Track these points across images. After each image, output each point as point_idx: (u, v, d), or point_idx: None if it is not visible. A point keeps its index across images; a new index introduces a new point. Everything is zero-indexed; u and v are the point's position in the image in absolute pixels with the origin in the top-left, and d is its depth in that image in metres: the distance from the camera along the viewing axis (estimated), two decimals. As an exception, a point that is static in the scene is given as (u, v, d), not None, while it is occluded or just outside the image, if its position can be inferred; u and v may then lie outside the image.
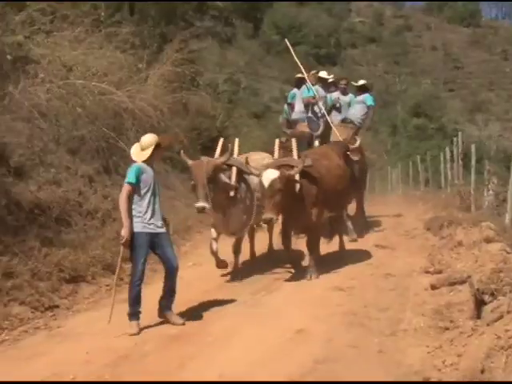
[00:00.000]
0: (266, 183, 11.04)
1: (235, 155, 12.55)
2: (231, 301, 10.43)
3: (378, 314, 9.16)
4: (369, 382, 5.00)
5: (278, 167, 11.51)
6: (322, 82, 18.48)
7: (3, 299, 10.04)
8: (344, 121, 18.42)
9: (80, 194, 14.62)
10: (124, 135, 17.69)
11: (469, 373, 6.25)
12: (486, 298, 7.61)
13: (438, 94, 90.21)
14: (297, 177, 11.48)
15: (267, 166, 11.61)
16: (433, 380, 4.85)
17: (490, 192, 17.88)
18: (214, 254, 12.40)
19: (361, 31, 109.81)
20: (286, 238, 12.49)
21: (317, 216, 12.12)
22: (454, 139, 24.06)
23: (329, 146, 14.77)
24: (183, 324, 9.24)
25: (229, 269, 12.78)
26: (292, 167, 11.63)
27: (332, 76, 19.51)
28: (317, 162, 12.37)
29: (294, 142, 12.50)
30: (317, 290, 10.67)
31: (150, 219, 9.32)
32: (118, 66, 19.20)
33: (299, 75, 18.26)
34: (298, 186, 11.53)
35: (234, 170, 12.00)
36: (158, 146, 9.46)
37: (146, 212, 9.34)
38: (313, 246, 12.28)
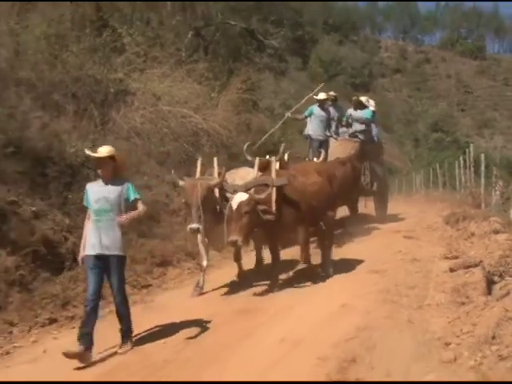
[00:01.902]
0: (234, 206, 9.31)
1: (215, 173, 10.52)
2: (285, 283, 10.35)
3: (406, 292, 9.11)
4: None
5: (251, 188, 9.72)
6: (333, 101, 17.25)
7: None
8: (351, 135, 17.12)
9: (167, 197, 14.89)
10: (200, 150, 17.79)
11: (482, 339, 6.23)
12: (495, 278, 7.60)
13: (452, 113, 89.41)
14: (273, 195, 9.64)
15: (240, 189, 9.71)
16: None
17: (497, 192, 17.68)
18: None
19: (388, 64, 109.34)
20: (273, 251, 10.42)
21: (299, 229, 10.24)
22: (466, 150, 23.91)
23: (310, 164, 12.96)
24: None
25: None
26: (267, 186, 9.77)
27: (330, 94, 17.32)
28: (293, 179, 10.34)
29: (273, 161, 10.53)
30: (357, 273, 10.63)
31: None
32: (196, 94, 19.39)
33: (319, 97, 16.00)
34: (273, 204, 9.63)
35: (217, 189, 10.16)
36: (111, 158, 7.48)
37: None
38: (304, 256, 10.48)
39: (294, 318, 8.04)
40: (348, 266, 11.36)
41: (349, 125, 17.32)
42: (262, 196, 9.41)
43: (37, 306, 8.51)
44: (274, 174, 10.01)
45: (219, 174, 10.15)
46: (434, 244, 13.30)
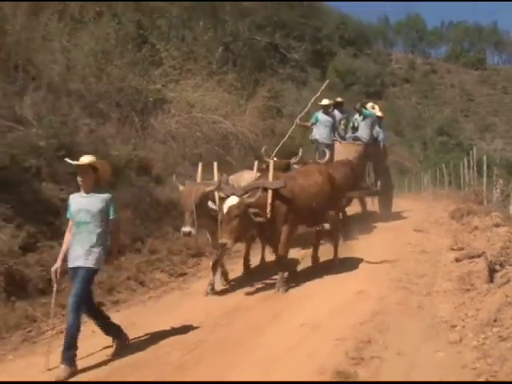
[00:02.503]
0: (224, 209, 8.54)
1: (215, 177, 9.65)
2: (308, 272, 10.27)
3: (416, 280, 9.09)
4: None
5: (249, 191, 8.90)
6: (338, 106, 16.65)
7: (149, 268, 10.32)
8: (355, 139, 16.12)
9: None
10: (230, 152, 17.85)
11: (485, 322, 6.25)
12: (497, 267, 7.57)
13: (456, 118, 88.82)
14: (269, 198, 8.93)
15: (238, 192, 8.82)
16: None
17: (498, 190, 17.57)
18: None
19: (399, 74, 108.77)
20: (248, 253, 10.45)
21: (287, 233, 9.26)
22: (470, 152, 23.82)
23: (313, 165, 11.77)
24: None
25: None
26: (265, 189, 9.01)
27: (336, 100, 16.93)
28: (292, 180, 9.59)
29: (271, 164, 9.79)
30: (371, 263, 10.58)
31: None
32: (225, 102, 19.41)
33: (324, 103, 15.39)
34: (268, 207, 8.94)
35: (217, 194, 9.21)
36: (93, 168, 6.63)
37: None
38: (282, 262, 9.32)
39: (314, 304, 8.05)
40: (364, 256, 11.33)
41: (355, 129, 16.59)
42: (253, 199, 8.68)
43: (86, 292, 8.57)
44: (270, 177, 9.35)
45: (218, 182, 9.16)
46: (441, 237, 13.24)
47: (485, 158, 20.13)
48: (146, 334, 7.10)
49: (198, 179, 9.79)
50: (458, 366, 5.51)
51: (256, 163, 10.42)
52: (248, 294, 9.05)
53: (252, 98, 22.15)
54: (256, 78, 28.53)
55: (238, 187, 9.20)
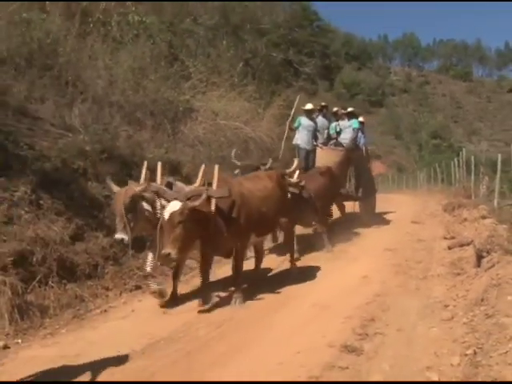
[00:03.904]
0: (166, 216, 6.69)
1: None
2: (313, 260, 10.22)
3: (414, 265, 9.08)
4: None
5: (189, 197, 6.92)
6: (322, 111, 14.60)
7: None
8: (336, 144, 14.24)
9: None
10: (250, 155, 17.84)
11: (473, 301, 6.27)
12: (484, 254, 7.54)
13: (447, 124, 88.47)
14: (212, 206, 7.02)
15: (180, 197, 6.91)
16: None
17: (484, 186, 17.50)
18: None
19: (397, 85, 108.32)
20: (205, 263, 7.81)
21: (239, 240, 7.60)
22: (459, 153, 23.81)
23: (264, 172, 9.41)
24: None
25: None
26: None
27: (321, 104, 14.93)
28: (239, 186, 7.72)
29: (216, 169, 7.42)
30: (374, 250, 10.56)
31: None
32: (246, 111, 19.42)
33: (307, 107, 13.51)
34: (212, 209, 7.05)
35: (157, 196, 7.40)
36: None
37: None
38: (237, 271, 7.77)
39: (323, 288, 8.03)
40: (367, 245, 11.32)
41: (338, 134, 14.52)
42: (197, 203, 6.77)
43: (125, 276, 8.59)
44: (215, 184, 7.32)
45: (147, 180, 7.40)
46: (435, 227, 13.24)
47: (472, 158, 20.33)
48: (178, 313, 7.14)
49: (141, 181, 7.68)
50: (450, 340, 5.53)
51: (202, 167, 7.66)
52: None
53: (269, 107, 22.12)
54: (272, 89, 28.55)
55: (182, 192, 7.20)
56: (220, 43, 25.37)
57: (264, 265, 9.11)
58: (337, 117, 15.06)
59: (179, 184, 7.80)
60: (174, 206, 6.71)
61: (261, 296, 7.64)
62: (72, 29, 14.07)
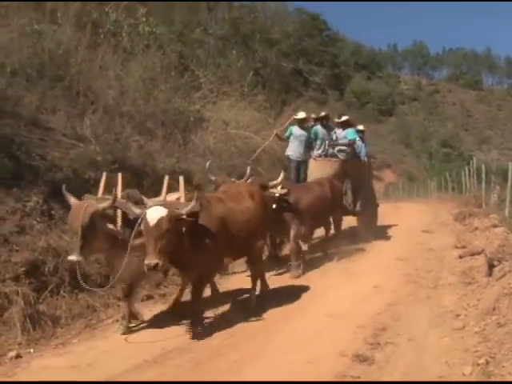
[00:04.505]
0: (152, 222, 5.88)
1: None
2: (327, 268, 10.25)
3: (425, 275, 9.08)
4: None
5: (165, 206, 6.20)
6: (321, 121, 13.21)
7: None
8: (329, 155, 12.95)
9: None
10: (261, 164, 17.85)
11: (485, 310, 6.26)
12: (495, 263, 7.53)
13: (457, 132, 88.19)
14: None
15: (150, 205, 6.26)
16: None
17: (495, 195, 17.47)
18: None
19: (407, 94, 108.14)
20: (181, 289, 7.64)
21: (209, 265, 6.75)
22: (470, 161, 23.79)
23: (242, 185, 8.43)
24: None
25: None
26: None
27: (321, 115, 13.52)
28: (219, 203, 6.96)
29: (181, 180, 6.86)
30: (385, 260, 10.55)
31: None
32: (256, 120, 19.41)
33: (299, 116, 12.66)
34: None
35: (119, 212, 6.56)
36: None
37: None
38: (197, 295, 6.75)
39: (336, 297, 8.02)
40: (378, 254, 11.30)
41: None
42: (183, 212, 6.14)
43: (137, 286, 8.62)
44: (182, 198, 6.71)
45: (113, 197, 6.41)
46: (446, 236, 13.20)
47: (483, 166, 20.26)
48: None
49: (100, 194, 6.90)
50: (462, 349, 5.53)
51: (166, 178, 7.05)
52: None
53: (279, 117, 22.14)
54: (283, 98, 28.68)
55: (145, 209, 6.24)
56: (230, 53, 25.54)
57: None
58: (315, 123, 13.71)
59: (140, 197, 6.91)
60: (160, 211, 5.99)
61: (273, 306, 7.64)
62: (83, 40, 14.16)
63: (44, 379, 5.29)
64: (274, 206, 9.29)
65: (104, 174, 7.21)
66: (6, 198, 8.06)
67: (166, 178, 6.90)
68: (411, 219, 17.89)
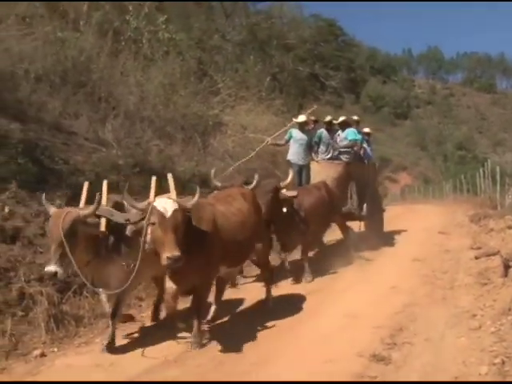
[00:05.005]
0: (168, 213, 5.38)
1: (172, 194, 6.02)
2: (343, 270, 10.14)
3: (441, 276, 9.01)
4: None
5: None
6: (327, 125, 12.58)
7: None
8: (332, 158, 12.32)
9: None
10: (278, 167, 17.85)
11: (501, 311, 6.22)
12: (511, 263, 7.48)
13: (472, 135, 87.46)
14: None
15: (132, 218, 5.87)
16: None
17: (510, 196, 17.36)
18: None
19: (422, 98, 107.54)
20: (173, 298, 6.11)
21: (206, 273, 6.14)
22: (485, 164, 23.61)
23: (237, 190, 7.67)
24: None
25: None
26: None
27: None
28: (209, 207, 6.36)
29: (170, 179, 6.21)
30: (402, 261, 10.50)
31: None
32: (274, 124, 19.35)
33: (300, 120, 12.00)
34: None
35: (103, 221, 5.94)
36: None
37: None
38: (198, 308, 6.24)
39: (352, 298, 7.98)
40: (395, 255, 11.27)
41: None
42: (189, 205, 5.74)
43: (157, 286, 8.64)
44: (173, 195, 6.03)
45: (96, 203, 5.80)
46: (462, 238, 13.09)
47: (498, 168, 20.15)
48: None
49: (82, 203, 6.32)
50: (478, 349, 5.47)
51: (153, 180, 6.30)
52: (295, 287, 8.99)
53: (297, 120, 22.17)
54: (300, 102, 28.70)
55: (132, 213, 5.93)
56: (248, 58, 25.57)
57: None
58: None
59: (133, 200, 6.00)
60: (170, 203, 5.55)
61: (291, 307, 7.63)
62: (104, 47, 14.27)
63: (67, 378, 5.33)
64: (285, 209, 9.01)
65: (86, 184, 6.61)
66: (30, 201, 8.14)
67: (154, 179, 6.29)
68: (427, 221, 17.79)
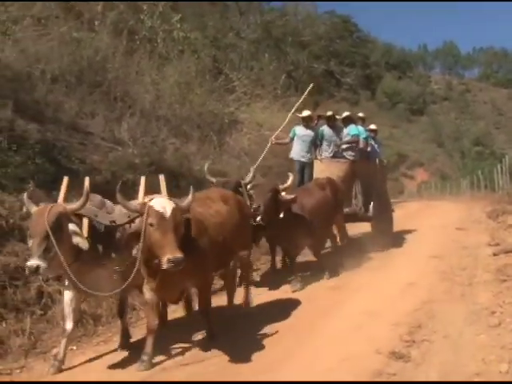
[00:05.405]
0: (168, 212, 5.02)
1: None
2: (361, 267, 10.09)
3: (460, 272, 8.92)
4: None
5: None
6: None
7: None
8: (336, 156, 11.56)
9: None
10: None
11: (521, 307, 6.15)
12: (530, 260, 7.43)
13: (489, 131, 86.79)
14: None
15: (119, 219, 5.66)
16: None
17: (528, 192, 17.26)
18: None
19: (438, 93, 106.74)
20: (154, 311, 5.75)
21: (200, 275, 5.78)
22: (502, 159, 23.46)
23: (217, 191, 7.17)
24: None
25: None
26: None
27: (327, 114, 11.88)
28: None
29: (161, 179, 5.76)
30: (420, 257, 10.41)
31: None
32: (289, 121, 19.36)
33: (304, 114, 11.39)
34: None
35: (86, 222, 5.54)
36: None
37: None
38: (206, 309, 6.11)
39: (370, 295, 7.92)
40: (413, 252, 11.18)
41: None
42: (185, 204, 5.40)
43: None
44: (140, 196, 5.59)
45: (84, 198, 5.43)
46: (480, 234, 12.96)
47: (515, 164, 19.86)
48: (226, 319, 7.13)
49: (60, 199, 5.69)
50: (498, 346, 5.40)
51: (143, 179, 5.92)
52: (315, 285, 8.94)
53: (312, 117, 22.14)
54: (315, 100, 28.55)
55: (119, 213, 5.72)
56: (262, 56, 25.61)
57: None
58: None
59: (109, 203, 6.04)
60: (167, 202, 5.18)
61: (309, 304, 7.61)
62: (120, 46, 14.36)
63: (86, 376, 5.36)
64: (282, 214, 8.38)
65: (65, 179, 6.06)
66: (47, 200, 8.15)
67: (143, 179, 5.91)
68: (444, 217, 17.65)
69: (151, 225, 5.07)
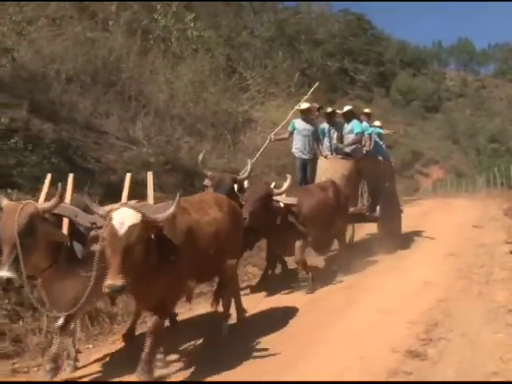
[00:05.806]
0: (121, 229, 4.28)
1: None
2: (375, 264, 10.03)
3: (477, 270, 8.85)
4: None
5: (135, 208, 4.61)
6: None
7: (243, 263, 9.82)
8: (338, 152, 10.75)
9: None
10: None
11: (539, 306, 6.09)
12: (547, 258, 7.36)
13: (505, 127, 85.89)
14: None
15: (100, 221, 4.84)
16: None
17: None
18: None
19: (453, 90, 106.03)
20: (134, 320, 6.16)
21: (173, 290, 5.15)
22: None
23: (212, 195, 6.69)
24: None
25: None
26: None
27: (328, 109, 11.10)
28: (184, 214, 5.24)
29: (149, 177, 5.58)
30: (436, 255, 10.33)
31: None
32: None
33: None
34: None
35: (66, 222, 5.02)
36: None
37: None
38: (155, 331, 4.96)
39: (386, 293, 7.87)
40: (428, 249, 11.10)
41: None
42: (160, 217, 4.61)
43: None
44: (151, 199, 5.37)
45: (57, 197, 4.82)
46: (497, 232, 12.85)
47: (533, 161, 19.68)
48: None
49: (42, 198, 5.24)
50: (516, 345, 5.36)
51: (128, 176, 5.77)
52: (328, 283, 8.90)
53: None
54: (329, 97, 28.48)
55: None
56: (276, 54, 25.57)
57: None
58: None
59: (93, 204, 4.96)
60: (131, 216, 4.42)
61: (325, 302, 7.59)
62: (134, 46, 14.41)
63: (102, 374, 5.39)
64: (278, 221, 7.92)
65: (48, 175, 5.69)
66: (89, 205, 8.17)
67: (128, 176, 5.52)
68: (461, 215, 17.51)
69: (103, 239, 4.49)
